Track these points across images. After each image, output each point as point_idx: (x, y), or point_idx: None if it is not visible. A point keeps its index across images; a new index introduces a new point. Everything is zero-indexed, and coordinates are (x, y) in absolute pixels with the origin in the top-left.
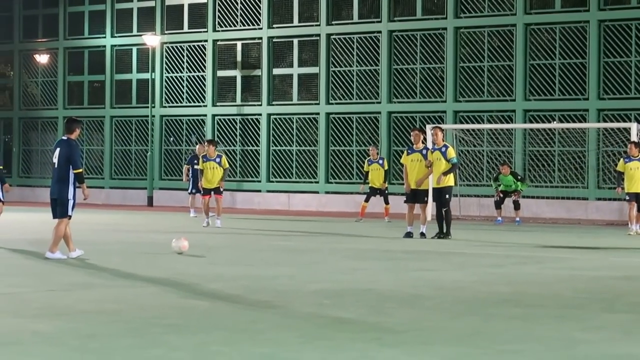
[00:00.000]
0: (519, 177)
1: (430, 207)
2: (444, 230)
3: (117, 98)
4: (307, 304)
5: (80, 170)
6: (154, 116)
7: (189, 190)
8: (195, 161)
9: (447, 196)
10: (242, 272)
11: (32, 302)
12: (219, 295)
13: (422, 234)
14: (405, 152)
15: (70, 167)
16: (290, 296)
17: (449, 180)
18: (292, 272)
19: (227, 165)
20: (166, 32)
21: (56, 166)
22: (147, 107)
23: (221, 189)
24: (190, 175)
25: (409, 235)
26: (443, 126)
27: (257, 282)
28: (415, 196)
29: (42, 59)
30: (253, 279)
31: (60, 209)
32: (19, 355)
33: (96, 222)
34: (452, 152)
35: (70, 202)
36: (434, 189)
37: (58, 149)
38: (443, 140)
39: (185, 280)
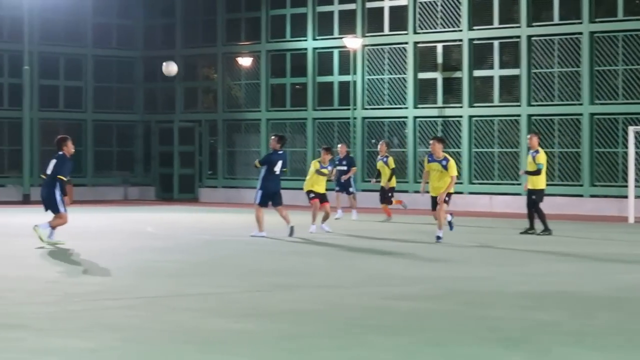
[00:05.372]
0: None
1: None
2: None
3: (319, 100)
4: (509, 305)
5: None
6: (355, 118)
7: (337, 189)
8: (337, 162)
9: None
10: (444, 273)
11: (237, 303)
12: (421, 296)
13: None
14: (426, 159)
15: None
16: (492, 298)
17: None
18: (493, 273)
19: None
20: (367, 34)
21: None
22: (349, 109)
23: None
24: (337, 175)
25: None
26: None
27: (459, 284)
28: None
29: (245, 61)
30: (454, 280)
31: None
32: (224, 354)
33: (300, 222)
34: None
35: None
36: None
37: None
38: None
39: (385, 281)
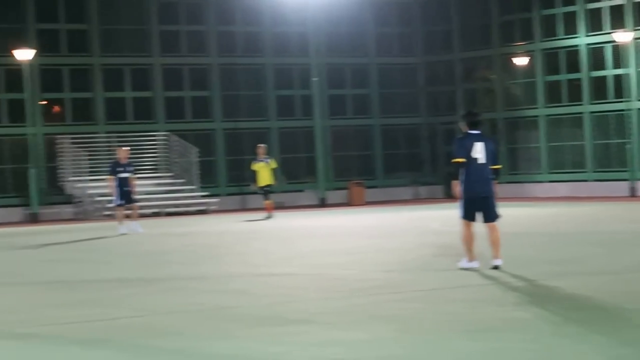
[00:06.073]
0: None
1: None
2: None
3: (594, 94)
4: None
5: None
6: (630, 110)
7: None
8: None
9: None
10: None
11: (514, 292)
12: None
13: None
14: None
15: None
16: None
17: None
18: None
19: None
20: (637, 27)
21: (479, 162)
22: (623, 101)
23: None
24: None
25: None
26: None
27: None
28: None
29: (520, 61)
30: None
31: (494, 210)
32: (496, 341)
33: (576, 214)
34: None
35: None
36: None
37: (482, 144)
38: None
39: None
